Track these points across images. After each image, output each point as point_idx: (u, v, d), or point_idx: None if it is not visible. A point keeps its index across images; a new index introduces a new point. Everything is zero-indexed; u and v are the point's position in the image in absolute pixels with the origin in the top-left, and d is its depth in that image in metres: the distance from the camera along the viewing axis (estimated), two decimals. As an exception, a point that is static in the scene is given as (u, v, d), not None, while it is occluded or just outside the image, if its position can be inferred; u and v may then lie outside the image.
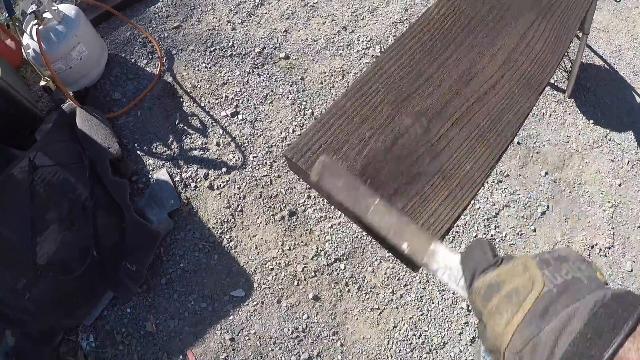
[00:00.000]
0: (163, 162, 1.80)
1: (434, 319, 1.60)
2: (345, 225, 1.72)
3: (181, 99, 1.93)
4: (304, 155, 0.50)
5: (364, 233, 1.70)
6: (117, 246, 1.62)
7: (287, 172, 1.80)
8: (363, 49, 2.07)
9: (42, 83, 1.69)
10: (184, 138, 1.85)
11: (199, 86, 1.96)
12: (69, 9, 1.79)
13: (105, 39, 2.03)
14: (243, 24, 2.12)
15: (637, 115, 2.04)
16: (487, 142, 0.52)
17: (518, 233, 1.74)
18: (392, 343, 1.56)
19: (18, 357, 1.48)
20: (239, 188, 1.77)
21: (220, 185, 1.77)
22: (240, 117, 1.91)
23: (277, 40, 2.08)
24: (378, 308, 1.60)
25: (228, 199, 1.75)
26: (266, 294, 1.61)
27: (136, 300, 1.59)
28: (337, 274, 1.65)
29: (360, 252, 1.68)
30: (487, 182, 1.83)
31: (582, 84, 2.09)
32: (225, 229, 1.70)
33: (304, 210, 1.74)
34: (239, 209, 1.73)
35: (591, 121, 1.98)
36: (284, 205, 1.74)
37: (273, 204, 1.74)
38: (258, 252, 1.67)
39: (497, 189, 1.80)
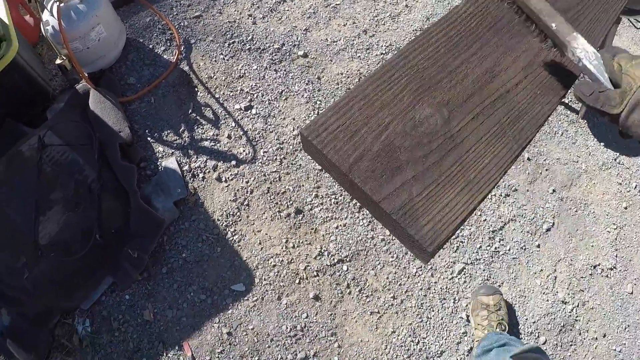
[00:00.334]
0: (173, 150, 1.80)
1: (433, 326, 1.59)
2: (350, 227, 1.71)
3: (196, 89, 1.93)
4: (320, 135, 0.49)
5: (368, 236, 1.70)
6: (120, 231, 1.61)
7: (296, 170, 1.80)
8: (382, 53, 2.07)
9: (58, 61, 1.68)
10: (195, 128, 1.85)
11: (214, 77, 1.96)
12: (91, -11, 1.78)
13: (124, 22, 2.02)
14: (264, 19, 2.12)
15: (647, 141, 2.05)
16: (507, 139, 0.52)
17: (522, 247, 1.74)
18: (390, 348, 1.55)
19: (12, 337, 1.47)
20: (247, 182, 1.76)
21: (228, 177, 1.76)
22: (253, 111, 1.90)
23: (297, 38, 2.07)
24: (378, 312, 1.60)
25: (235, 192, 1.74)
26: (267, 290, 1.60)
27: (135, 288, 1.58)
28: (340, 275, 1.64)
29: (364, 255, 1.67)
30: (494, 195, 1.83)
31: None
32: (230, 222, 1.69)
33: (311, 209, 1.73)
34: (246, 203, 1.73)
35: (602, 143, 1.98)
36: (290, 202, 1.74)
37: (280, 201, 1.74)
38: (262, 248, 1.66)
39: (504, 202, 1.81)
